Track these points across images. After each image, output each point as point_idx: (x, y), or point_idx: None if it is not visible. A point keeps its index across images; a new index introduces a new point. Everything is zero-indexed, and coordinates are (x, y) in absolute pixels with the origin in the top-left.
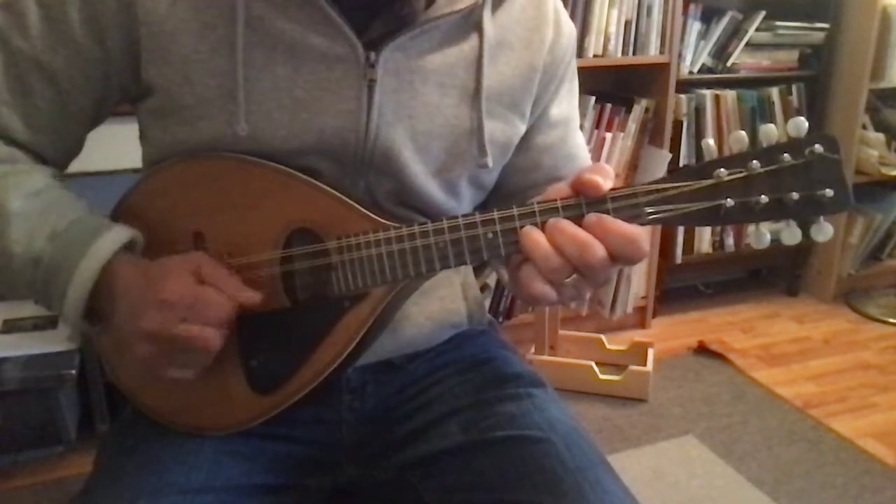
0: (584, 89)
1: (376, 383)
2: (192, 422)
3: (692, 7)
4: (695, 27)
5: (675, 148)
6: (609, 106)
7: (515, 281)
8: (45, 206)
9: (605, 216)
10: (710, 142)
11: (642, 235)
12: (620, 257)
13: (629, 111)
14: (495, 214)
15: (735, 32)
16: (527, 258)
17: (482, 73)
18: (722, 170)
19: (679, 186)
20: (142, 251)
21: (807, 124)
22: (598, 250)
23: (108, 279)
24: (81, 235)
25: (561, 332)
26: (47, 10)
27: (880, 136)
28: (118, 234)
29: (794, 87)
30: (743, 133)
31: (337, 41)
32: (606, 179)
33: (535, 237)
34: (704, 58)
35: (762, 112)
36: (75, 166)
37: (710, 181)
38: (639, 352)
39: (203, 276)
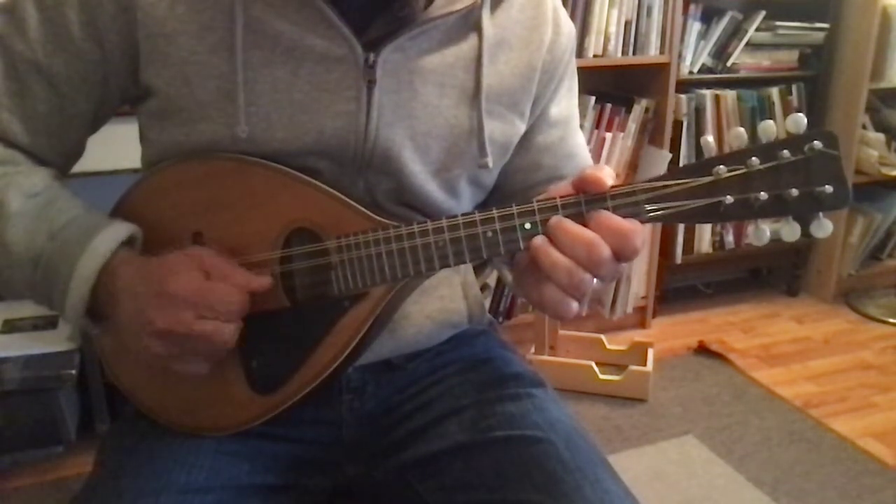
0: (584, 89)
1: (376, 383)
2: (192, 422)
3: (692, 7)
4: (695, 27)
5: (675, 148)
6: (609, 106)
7: (532, 297)
8: (44, 205)
9: (600, 211)
10: (708, 139)
11: (636, 231)
12: (616, 253)
13: (629, 111)
14: (494, 213)
15: (735, 32)
16: (547, 277)
17: (481, 72)
18: (721, 167)
19: (678, 184)
20: (141, 250)
21: (805, 120)
22: (605, 248)
23: (108, 276)
24: (80, 233)
25: (561, 332)
26: (46, 13)
27: (880, 136)
28: (117, 231)
29: (794, 87)
30: (742, 129)
31: (336, 42)
32: (607, 178)
33: (553, 257)
34: (704, 58)
35: (762, 112)
36: (75, 166)
37: (709, 178)
38: (639, 352)
39: (209, 269)
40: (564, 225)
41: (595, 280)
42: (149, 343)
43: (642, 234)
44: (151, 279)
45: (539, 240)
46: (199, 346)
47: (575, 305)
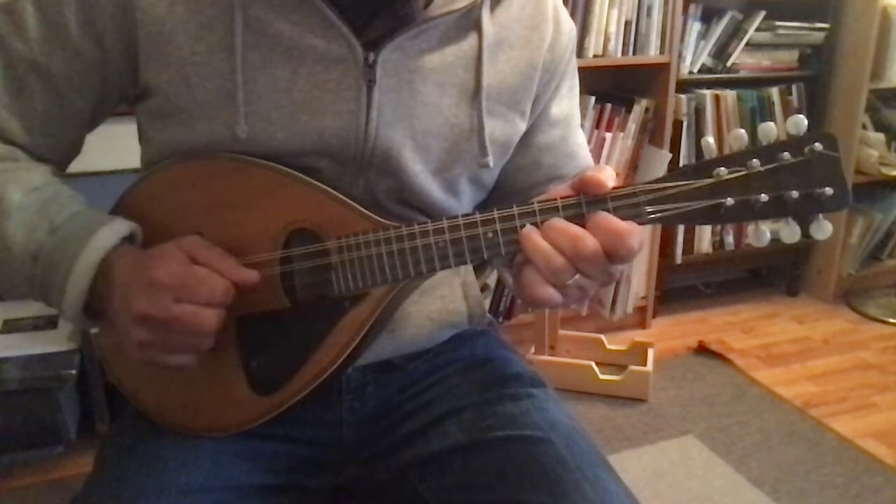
0: (584, 89)
1: (376, 383)
2: (192, 423)
3: (692, 7)
4: (695, 27)
5: (675, 148)
6: (609, 106)
7: (519, 285)
8: (44, 201)
9: (598, 213)
10: (709, 140)
11: (632, 231)
12: (609, 253)
13: (629, 111)
14: (495, 214)
15: (735, 32)
16: (528, 261)
17: (482, 71)
18: (722, 168)
19: (679, 185)
20: (141, 248)
21: (806, 122)
22: (590, 242)
23: (106, 270)
24: (81, 229)
25: (561, 332)
26: (45, 12)
27: (880, 136)
28: (117, 228)
29: (794, 87)
30: (742, 131)
31: (335, 42)
32: (609, 180)
33: (535, 239)
34: (704, 58)
35: (762, 112)
36: (75, 166)
37: (709, 180)
38: (639, 352)
39: (197, 256)
40: (553, 222)
41: (587, 280)
42: (131, 330)
43: (640, 235)
44: (139, 267)
45: (527, 228)
46: (180, 332)
47: (551, 292)
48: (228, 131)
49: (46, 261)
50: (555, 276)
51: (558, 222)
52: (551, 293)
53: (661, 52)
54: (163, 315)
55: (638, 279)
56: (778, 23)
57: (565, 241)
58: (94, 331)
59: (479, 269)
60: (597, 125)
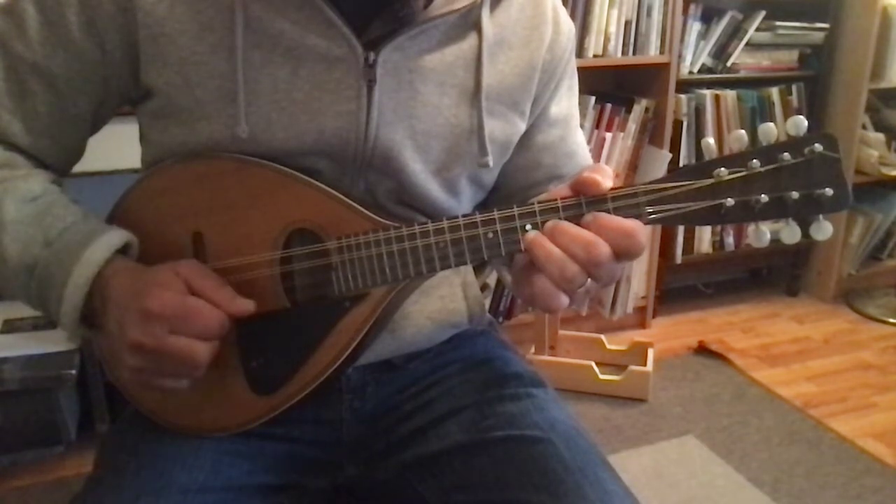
0: (584, 89)
1: (377, 383)
2: (192, 423)
3: (692, 7)
4: (695, 27)
5: (675, 148)
6: (609, 106)
7: (527, 291)
8: (40, 211)
9: (600, 213)
10: (710, 141)
11: (639, 229)
12: (620, 253)
13: (629, 111)
14: (495, 214)
15: (735, 32)
16: (539, 269)
17: (481, 72)
18: (722, 169)
19: (679, 186)
20: (140, 253)
21: (806, 123)
22: (604, 248)
23: (101, 284)
24: (75, 241)
25: (561, 332)
26: (46, 14)
27: (880, 136)
28: (111, 239)
29: (794, 87)
30: (742, 132)
31: (336, 42)
32: (606, 179)
33: (548, 247)
34: (704, 58)
35: (762, 112)
36: (75, 166)
37: (710, 180)
38: (639, 352)
39: (193, 285)
40: (563, 226)
41: (590, 281)
42: (124, 356)
43: (645, 232)
44: (135, 293)
45: (533, 234)
46: (172, 362)
47: (564, 299)
48: (229, 131)
49: (42, 274)
50: (568, 284)
51: (568, 227)
52: (563, 300)
53: (661, 52)
54: (155, 345)
55: (638, 279)
56: (778, 23)
57: (578, 248)
58: (89, 335)
59: (479, 269)
60: (597, 125)
